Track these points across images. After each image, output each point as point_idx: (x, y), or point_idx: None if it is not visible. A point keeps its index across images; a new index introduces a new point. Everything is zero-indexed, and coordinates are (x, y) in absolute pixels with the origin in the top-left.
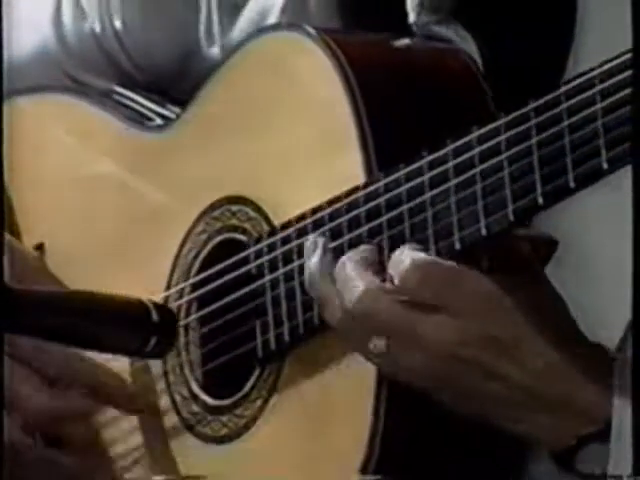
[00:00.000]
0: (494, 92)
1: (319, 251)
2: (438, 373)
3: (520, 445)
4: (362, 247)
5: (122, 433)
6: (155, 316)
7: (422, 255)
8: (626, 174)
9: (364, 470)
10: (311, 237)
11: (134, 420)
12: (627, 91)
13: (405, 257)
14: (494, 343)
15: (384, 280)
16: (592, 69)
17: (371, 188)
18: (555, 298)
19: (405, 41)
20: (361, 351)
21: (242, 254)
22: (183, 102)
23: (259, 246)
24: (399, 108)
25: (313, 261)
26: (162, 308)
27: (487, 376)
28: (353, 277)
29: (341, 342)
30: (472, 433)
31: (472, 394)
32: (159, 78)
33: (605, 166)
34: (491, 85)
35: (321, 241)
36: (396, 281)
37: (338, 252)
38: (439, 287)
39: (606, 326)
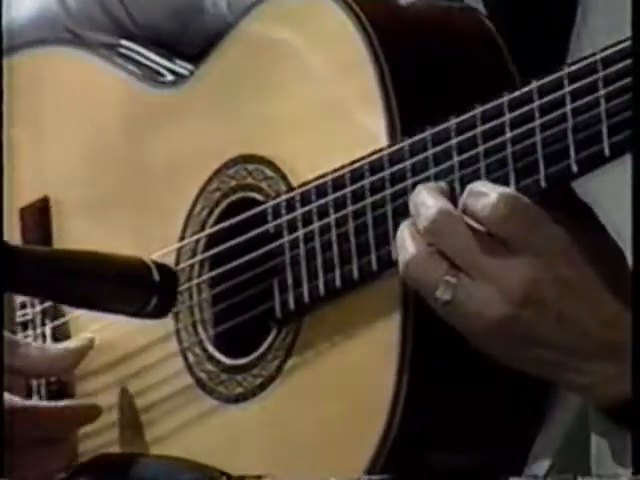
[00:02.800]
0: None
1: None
2: (505, 317)
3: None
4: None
5: (134, 394)
6: (156, 276)
7: (507, 189)
8: None
9: (386, 434)
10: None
11: (145, 382)
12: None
13: (490, 189)
14: (568, 286)
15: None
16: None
17: (396, 149)
18: (617, 247)
19: None
20: (430, 291)
21: (259, 212)
22: (191, 57)
23: (277, 204)
24: (422, 70)
25: None
26: (163, 268)
27: (559, 320)
28: (428, 199)
29: (410, 286)
30: (493, 391)
31: (538, 342)
32: (159, 35)
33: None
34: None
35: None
36: (480, 212)
37: (359, 215)
38: (522, 224)
39: None
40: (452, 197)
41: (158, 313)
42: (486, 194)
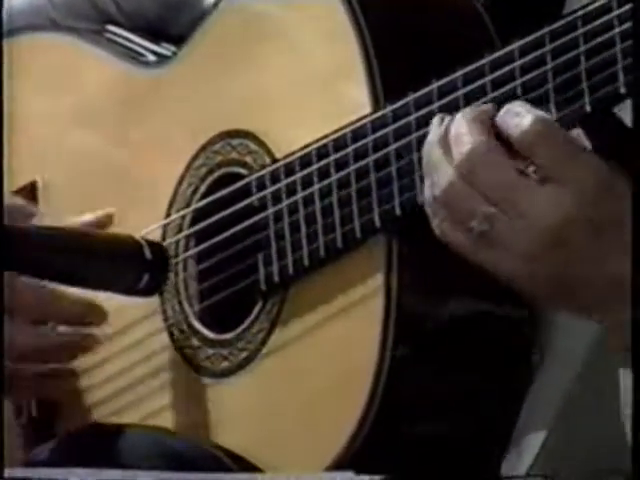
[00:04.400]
0: (495, 19)
1: (439, 121)
2: (534, 253)
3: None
4: (476, 107)
5: (121, 370)
6: (148, 253)
7: (544, 113)
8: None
9: (369, 405)
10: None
11: (131, 358)
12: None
13: (528, 111)
14: (600, 228)
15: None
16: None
17: (378, 116)
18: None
19: None
20: (458, 230)
21: (243, 185)
22: (175, 40)
23: (261, 176)
24: (405, 39)
25: (434, 129)
26: (155, 245)
27: (587, 261)
28: (465, 132)
29: (436, 223)
30: (476, 366)
31: (568, 282)
32: (147, 22)
33: (622, 91)
34: (493, 12)
35: (446, 118)
36: (515, 132)
37: (343, 183)
38: (558, 150)
39: None
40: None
41: (150, 290)
42: (522, 114)
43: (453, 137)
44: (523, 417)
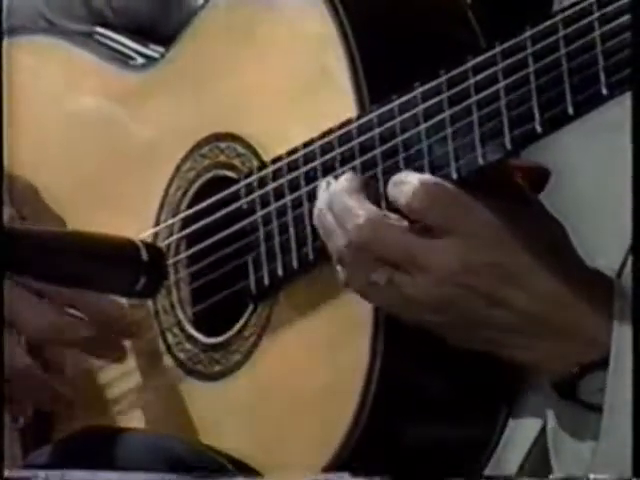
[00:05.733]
0: (483, 20)
1: (326, 185)
2: (442, 301)
3: (511, 384)
4: (352, 176)
5: (117, 376)
6: (145, 255)
7: (428, 176)
8: (627, 117)
9: (362, 404)
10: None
11: (126, 363)
12: (626, 18)
13: (412, 178)
14: (499, 269)
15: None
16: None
17: (364, 120)
18: (554, 226)
19: None
20: (363, 287)
21: (232, 189)
22: (165, 41)
23: (250, 181)
24: (391, 43)
25: (321, 194)
26: (152, 247)
27: (492, 303)
28: (353, 206)
29: (341, 280)
30: (465, 366)
31: (476, 323)
32: (137, 21)
33: (605, 92)
34: (482, 14)
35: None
36: (402, 201)
37: None
38: (446, 209)
39: (605, 254)
40: (376, 189)
41: (147, 293)
42: (406, 182)
43: (342, 211)
44: (515, 415)
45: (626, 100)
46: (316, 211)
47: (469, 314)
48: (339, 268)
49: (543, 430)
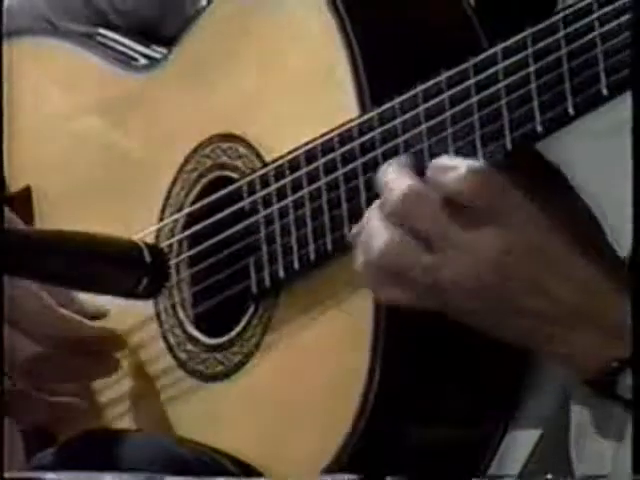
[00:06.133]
0: (487, 20)
1: None
2: (479, 286)
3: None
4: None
5: (118, 377)
6: (147, 256)
7: (474, 161)
8: (628, 118)
9: (364, 404)
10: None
11: (127, 364)
12: (626, 17)
13: (459, 163)
14: (540, 256)
15: None
16: None
17: (365, 119)
18: (590, 215)
19: None
20: (398, 286)
21: (234, 190)
22: (167, 42)
23: (250, 181)
24: (391, 41)
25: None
26: (154, 248)
27: (531, 290)
28: (394, 180)
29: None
30: (465, 369)
31: (512, 311)
32: (140, 21)
33: (605, 92)
34: (485, 13)
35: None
36: (450, 186)
37: (332, 187)
38: (493, 195)
39: None
40: (420, 169)
41: (149, 294)
42: (454, 167)
43: (383, 187)
44: (516, 418)
45: (627, 100)
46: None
47: (506, 301)
48: (370, 276)
49: (544, 433)
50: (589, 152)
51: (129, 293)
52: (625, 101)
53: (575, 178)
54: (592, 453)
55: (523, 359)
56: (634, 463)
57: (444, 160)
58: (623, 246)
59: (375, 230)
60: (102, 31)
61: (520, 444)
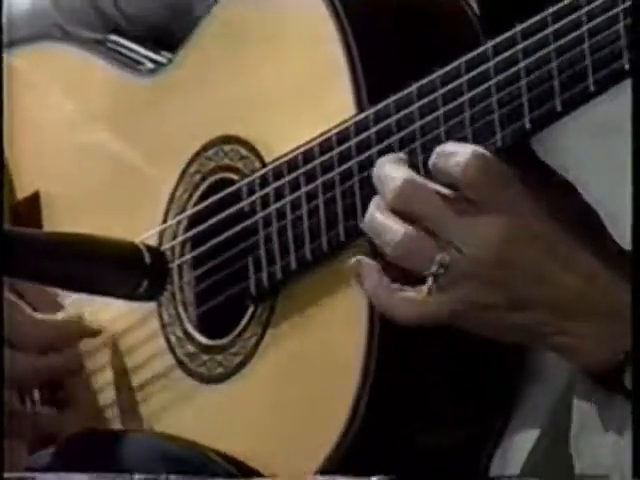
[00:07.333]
0: (486, 15)
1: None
2: (486, 279)
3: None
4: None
5: (118, 377)
6: (147, 258)
7: (477, 148)
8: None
9: (357, 404)
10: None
11: (128, 364)
12: (613, 12)
13: (462, 149)
14: (541, 244)
15: None
16: None
17: (360, 119)
18: (589, 210)
19: None
20: (423, 269)
21: (234, 191)
22: (176, 47)
23: (250, 182)
24: (389, 42)
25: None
26: (154, 251)
27: (536, 280)
28: (391, 171)
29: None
30: (462, 367)
31: (523, 303)
32: (148, 26)
33: (592, 89)
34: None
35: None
36: (452, 172)
37: (329, 186)
38: (493, 182)
39: None
40: (413, 165)
41: (149, 296)
42: (457, 153)
43: (381, 181)
44: (515, 417)
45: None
46: (367, 218)
47: (515, 293)
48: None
49: (544, 431)
50: (586, 151)
51: (129, 295)
52: (617, 99)
53: (572, 176)
54: (593, 447)
55: (518, 360)
56: (634, 464)
57: (448, 146)
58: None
59: (389, 226)
60: (112, 37)
61: (522, 439)
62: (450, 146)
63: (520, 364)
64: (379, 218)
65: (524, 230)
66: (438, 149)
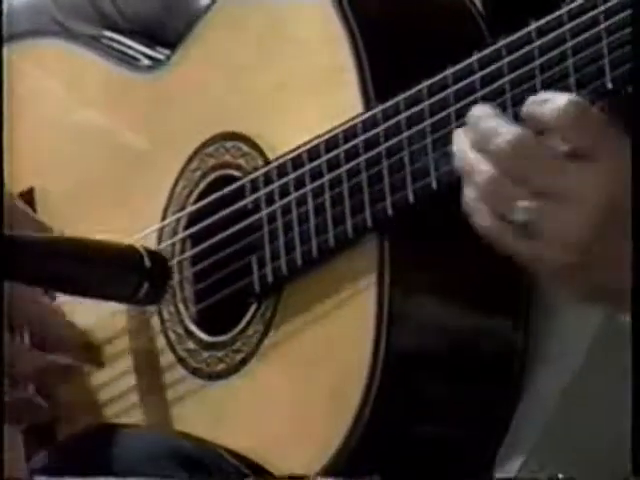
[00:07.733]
0: (495, 14)
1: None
2: (591, 237)
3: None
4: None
5: (118, 375)
6: (147, 262)
7: (575, 97)
8: None
9: (364, 404)
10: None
11: (128, 362)
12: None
13: (558, 95)
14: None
15: None
16: None
17: (369, 116)
18: None
19: None
20: (499, 226)
21: (237, 188)
22: (172, 44)
23: (253, 179)
24: (397, 42)
25: (457, 142)
26: (154, 254)
27: (625, 236)
28: (498, 125)
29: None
30: (467, 367)
31: (613, 263)
32: (145, 23)
33: (610, 86)
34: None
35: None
36: (548, 117)
37: (335, 183)
38: (592, 128)
39: None
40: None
41: (150, 299)
42: (553, 99)
43: (486, 133)
44: (518, 416)
45: None
46: (458, 155)
47: (611, 252)
48: (474, 208)
49: (544, 431)
50: None
51: (130, 299)
52: None
53: None
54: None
55: (522, 360)
56: (634, 464)
57: (541, 95)
58: None
59: (478, 167)
60: (108, 33)
61: (530, 424)
62: (544, 94)
63: (522, 365)
64: (471, 156)
65: (621, 187)
66: (531, 98)
